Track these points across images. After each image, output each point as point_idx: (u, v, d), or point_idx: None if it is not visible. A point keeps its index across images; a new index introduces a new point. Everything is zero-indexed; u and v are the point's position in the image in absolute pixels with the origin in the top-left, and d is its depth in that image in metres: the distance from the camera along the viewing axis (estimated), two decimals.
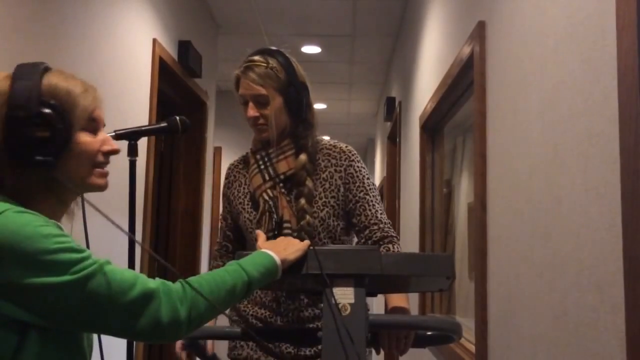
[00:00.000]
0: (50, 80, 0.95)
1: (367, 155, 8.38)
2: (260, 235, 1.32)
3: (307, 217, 1.53)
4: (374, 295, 1.54)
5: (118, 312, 0.89)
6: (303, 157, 1.56)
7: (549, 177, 1.25)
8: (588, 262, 1.05)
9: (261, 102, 1.53)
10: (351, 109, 6.63)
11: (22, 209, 0.89)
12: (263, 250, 1.18)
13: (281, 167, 1.56)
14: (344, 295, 1.25)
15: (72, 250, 0.88)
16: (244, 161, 1.69)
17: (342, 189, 1.58)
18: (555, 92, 1.23)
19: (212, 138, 4.06)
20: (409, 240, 3.49)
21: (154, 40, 2.88)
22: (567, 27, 1.18)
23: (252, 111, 1.54)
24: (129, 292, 0.89)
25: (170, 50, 3.15)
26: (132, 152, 1.56)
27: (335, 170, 1.59)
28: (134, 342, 1.69)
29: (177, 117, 1.61)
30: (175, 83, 3.31)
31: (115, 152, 1.02)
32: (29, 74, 0.94)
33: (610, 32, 1.00)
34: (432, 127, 2.92)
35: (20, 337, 0.86)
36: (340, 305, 1.23)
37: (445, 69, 2.38)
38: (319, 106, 6.53)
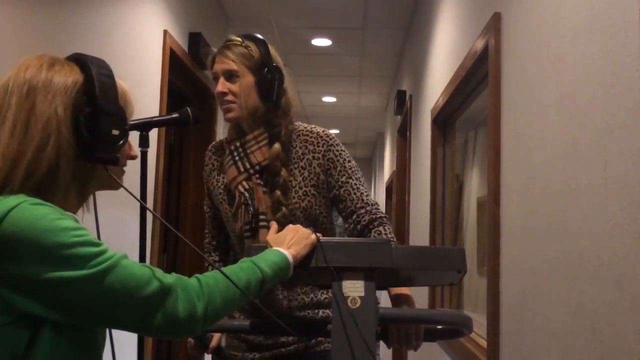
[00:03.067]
0: (118, 81, 1.00)
1: (377, 149, 8.35)
2: (273, 226, 1.31)
3: (283, 209, 1.50)
4: (384, 288, 1.53)
5: (135, 307, 0.87)
6: (276, 146, 1.52)
7: (567, 171, 1.23)
8: (607, 258, 1.03)
9: (231, 76, 1.51)
10: (361, 102, 6.60)
11: (38, 200, 0.88)
12: (275, 248, 1.17)
13: (256, 157, 1.53)
14: (354, 289, 1.24)
15: (90, 244, 0.87)
16: (221, 148, 1.67)
17: (322, 176, 1.54)
18: (574, 84, 1.21)
19: (222, 130, 4.05)
20: (419, 236, 3.47)
21: (165, 32, 2.87)
22: (588, 18, 1.15)
23: (220, 86, 1.52)
24: (146, 287, 0.88)
25: (181, 41, 3.14)
26: (144, 143, 1.55)
27: (314, 157, 1.54)
28: (144, 337, 1.68)
29: (189, 109, 1.60)
30: (185, 75, 3.31)
31: (135, 158, 1.08)
32: (104, 68, 0.98)
33: (633, 24, 0.97)
34: (444, 120, 2.89)
35: (32, 333, 0.85)
36: (350, 299, 1.22)
37: (458, 62, 2.35)
38: (328, 99, 6.51)
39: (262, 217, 1.50)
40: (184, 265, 3.50)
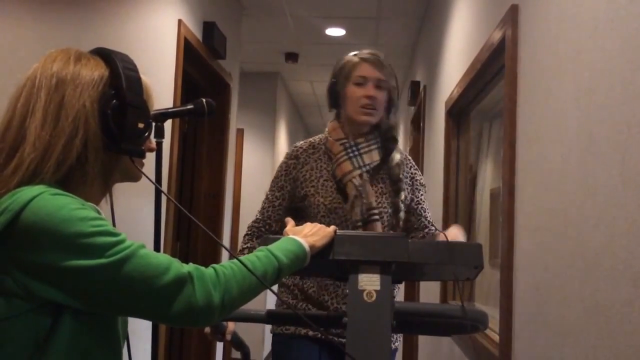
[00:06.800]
0: (141, 75, 1.02)
1: None
2: (290, 221, 1.32)
3: (403, 208, 1.73)
4: (400, 282, 1.54)
5: (152, 296, 0.89)
6: (398, 156, 1.76)
7: (583, 167, 1.22)
8: (623, 256, 1.03)
9: (380, 86, 1.71)
10: None
11: (59, 191, 0.90)
12: (291, 236, 1.18)
13: (367, 158, 1.72)
14: (370, 282, 1.24)
15: (108, 234, 0.88)
16: (313, 147, 1.80)
17: (407, 192, 1.78)
18: (593, 79, 1.19)
19: (235, 120, 4.06)
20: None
21: (179, 21, 2.87)
22: (608, 11, 1.14)
23: (372, 91, 1.70)
24: (163, 277, 0.89)
25: (195, 31, 3.14)
26: (159, 133, 1.56)
27: (404, 176, 1.78)
28: (158, 326, 1.70)
29: (204, 100, 1.61)
30: (199, 64, 3.31)
31: (154, 150, 1.10)
32: (129, 62, 1.00)
33: None
34: (458, 112, 2.87)
35: (53, 320, 0.87)
36: (365, 292, 1.22)
37: (474, 54, 2.33)
38: None
39: (373, 211, 1.67)
40: (196, 253, 3.53)
